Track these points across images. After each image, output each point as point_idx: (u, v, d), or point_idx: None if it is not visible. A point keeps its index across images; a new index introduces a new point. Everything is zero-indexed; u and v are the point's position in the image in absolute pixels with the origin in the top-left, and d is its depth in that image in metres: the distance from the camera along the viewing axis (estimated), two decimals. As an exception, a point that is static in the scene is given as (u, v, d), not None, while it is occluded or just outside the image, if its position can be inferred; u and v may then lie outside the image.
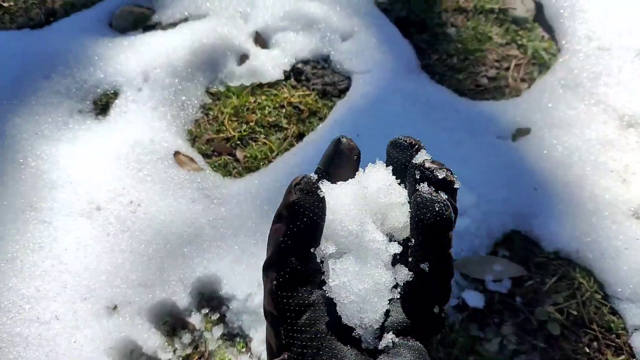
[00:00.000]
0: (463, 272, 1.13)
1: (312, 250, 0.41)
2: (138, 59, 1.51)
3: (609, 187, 1.22)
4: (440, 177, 0.42)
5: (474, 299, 1.09)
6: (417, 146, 0.46)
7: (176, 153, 1.35)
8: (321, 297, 0.42)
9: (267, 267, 0.42)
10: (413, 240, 0.41)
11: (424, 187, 0.41)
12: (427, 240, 0.40)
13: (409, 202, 0.43)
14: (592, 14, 1.62)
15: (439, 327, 0.43)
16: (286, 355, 0.40)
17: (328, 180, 0.45)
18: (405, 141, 0.46)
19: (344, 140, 0.46)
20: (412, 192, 0.43)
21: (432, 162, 0.43)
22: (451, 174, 0.43)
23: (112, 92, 1.47)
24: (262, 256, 1.16)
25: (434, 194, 0.40)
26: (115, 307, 1.08)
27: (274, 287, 0.41)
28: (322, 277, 0.42)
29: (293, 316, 0.41)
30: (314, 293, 0.41)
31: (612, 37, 1.56)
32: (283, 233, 0.41)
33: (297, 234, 0.41)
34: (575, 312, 1.08)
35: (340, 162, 0.46)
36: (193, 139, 1.42)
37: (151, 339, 1.06)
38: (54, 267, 1.12)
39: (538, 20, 1.70)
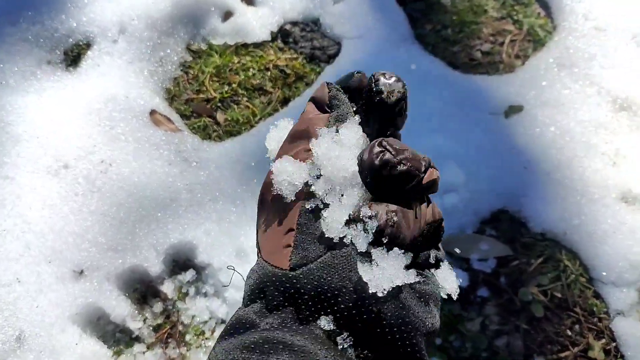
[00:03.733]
0: (448, 250, 1.10)
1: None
2: (114, 8, 1.40)
3: (600, 170, 1.19)
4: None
5: (458, 278, 1.06)
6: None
7: (152, 112, 1.27)
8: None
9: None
10: None
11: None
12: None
13: None
14: (590, -8, 1.58)
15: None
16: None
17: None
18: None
19: (356, 76, 0.42)
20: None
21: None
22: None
23: (84, 42, 1.37)
24: (241, 224, 1.11)
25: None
26: (82, 272, 1.02)
27: None
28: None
29: None
30: None
31: (609, 18, 1.52)
32: None
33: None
34: (559, 295, 1.06)
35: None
36: (171, 98, 1.34)
37: (120, 306, 1.00)
38: (17, 226, 1.04)
39: (535, -4, 1.65)
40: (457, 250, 1.07)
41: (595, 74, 1.39)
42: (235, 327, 0.34)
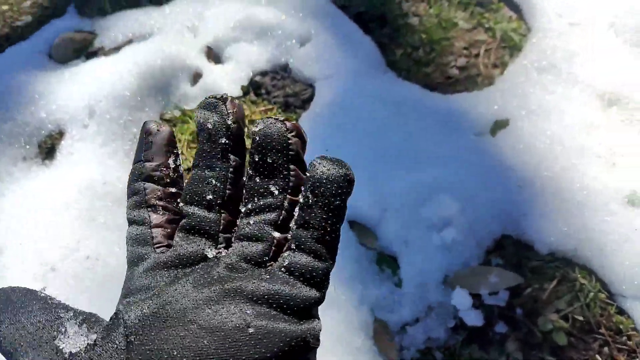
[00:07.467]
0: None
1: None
2: (82, 91, 1.39)
3: (598, 175, 1.14)
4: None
5: (472, 317, 1.01)
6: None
7: (134, 191, 1.24)
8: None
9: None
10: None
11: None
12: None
13: None
14: (558, -14, 1.54)
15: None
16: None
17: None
18: (217, 97, 0.36)
19: (150, 126, 0.38)
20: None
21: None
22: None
23: (56, 132, 1.35)
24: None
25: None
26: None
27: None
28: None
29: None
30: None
31: (582, 11, 1.48)
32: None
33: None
34: (580, 317, 1.00)
35: (151, 153, 0.38)
36: (151, 173, 1.31)
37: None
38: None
39: (503, 0, 1.61)
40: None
41: (577, 72, 1.35)
42: None
